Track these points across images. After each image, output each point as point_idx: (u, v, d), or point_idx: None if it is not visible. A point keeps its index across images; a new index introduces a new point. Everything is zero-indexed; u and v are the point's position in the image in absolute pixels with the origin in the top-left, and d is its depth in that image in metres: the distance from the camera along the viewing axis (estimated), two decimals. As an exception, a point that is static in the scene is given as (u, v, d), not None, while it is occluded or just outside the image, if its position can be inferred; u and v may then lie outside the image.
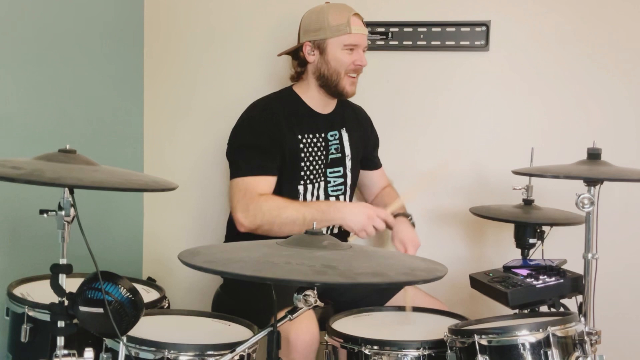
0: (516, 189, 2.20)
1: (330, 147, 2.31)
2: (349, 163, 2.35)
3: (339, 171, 2.33)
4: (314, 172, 2.27)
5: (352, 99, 2.41)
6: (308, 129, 2.27)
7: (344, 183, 2.34)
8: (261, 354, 1.70)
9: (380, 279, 1.26)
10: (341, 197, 2.33)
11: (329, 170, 2.31)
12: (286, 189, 2.22)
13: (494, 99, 2.60)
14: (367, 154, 2.48)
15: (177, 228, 2.89)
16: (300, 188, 2.25)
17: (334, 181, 2.32)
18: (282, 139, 2.20)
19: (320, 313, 2.03)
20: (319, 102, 2.31)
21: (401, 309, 2.10)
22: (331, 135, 2.32)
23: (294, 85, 2.35)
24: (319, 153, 2.28)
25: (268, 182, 2.17)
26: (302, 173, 2.25)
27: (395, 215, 2.27)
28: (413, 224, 2.31)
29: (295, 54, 2.30)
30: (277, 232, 2.06)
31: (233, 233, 2.29)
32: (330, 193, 2.31)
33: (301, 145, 2.24)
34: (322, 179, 2.29)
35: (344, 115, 2.38)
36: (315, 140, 2.28)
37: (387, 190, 2.51)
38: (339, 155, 2.33)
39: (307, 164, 2.25)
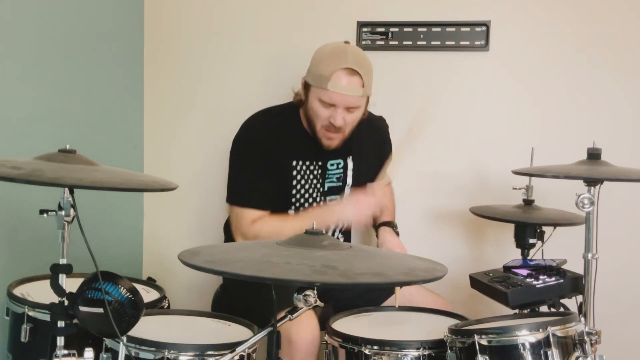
0: (516, 189, 2.21)
1: (329, 176, 2.24)
2: (347, 191, 2.28)
3: (335, 198, 2.27)
4: (309, 198, 2.21)
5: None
6: (304, 155, 2.18)
7: (342, 186, 2.30)
8: (261, 354, 1.70)
9: (380, 279, 1.26)
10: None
11: (329, 198, 2.25)
12: (276, 211, 2.18)
13: (494, 99, 2.60)
14: (375, 173, 2.32)
15: (177, 228, 2.89)
16: (291, 212, 2.20)
17: None
18: (275, 163, 2.15)
19: (320, 312, 2.03)
20: None
21: (401, 309, 2.10)
22: (332, 164, 2.24)
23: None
24: (314, 181, 2.21)
25: (260, 213, 2.15)
26: (294, 199, 2.20)
27: (380, 225, 2.27)
28: (397, 233, 2.28)
29: None
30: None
31: (230, 236, 2.31)
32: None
33: (294, 172, 2.17)
34: (321, 204, 2.24)
35: (355, 140, 2.21)
36: (311, 168, 2.20)
37: (385, 189, 2.39)
38: (339, 184, 2.27)
39: (302, 191, 2.19)
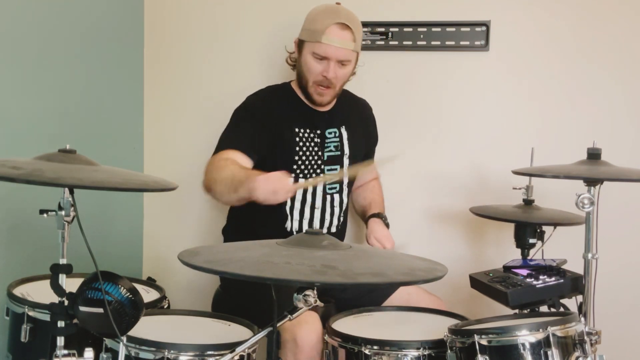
0: (516, 189, 2.21)
1: (327, 145, 2.29)
2: (346, 161, 2.33)
3: (336, 169, 2.31)
4: (310, 168, 2.25)
5: (359, 94, 2.44)
6: (305, 124, 2.26)
7: (340, 181, 2.33)
8: (261, 354, 1.70)
9: (380, 279, 1.26)
10: (336, 196, 2.31)
11: (326, 168, 2.29)
12: None
13: (494, 99, 2.60)
14: (367, 150, 2.47)
15: (177, 228, 2.89)
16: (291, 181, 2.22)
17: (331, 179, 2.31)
18: (277, 127, 2.20)
19: (322, 312, 2.03)
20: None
21: (401, 309, 2.11)
22: (329, 133, 2.30)
23: (292, 81, 2.34)
24: (315, 149, 2.26)
25: (233, 153, 2.13)
26: (295, 167, 2.23)
27: (370, 217, 2.31)
28: (387, 225, 2.32)
29: None
30: (218, 193, 2.06)
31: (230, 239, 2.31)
32: (328, 191, 2.29)
33: (297, 139, 2.23)
34: (320, 175, 2.27)
35: (344, 112, 2.35)
36: (312, 136, 2.26)
37: (372, 183, 2.49)
38: (338, 153, 2.31)
39: (303, 158, 2.23)
